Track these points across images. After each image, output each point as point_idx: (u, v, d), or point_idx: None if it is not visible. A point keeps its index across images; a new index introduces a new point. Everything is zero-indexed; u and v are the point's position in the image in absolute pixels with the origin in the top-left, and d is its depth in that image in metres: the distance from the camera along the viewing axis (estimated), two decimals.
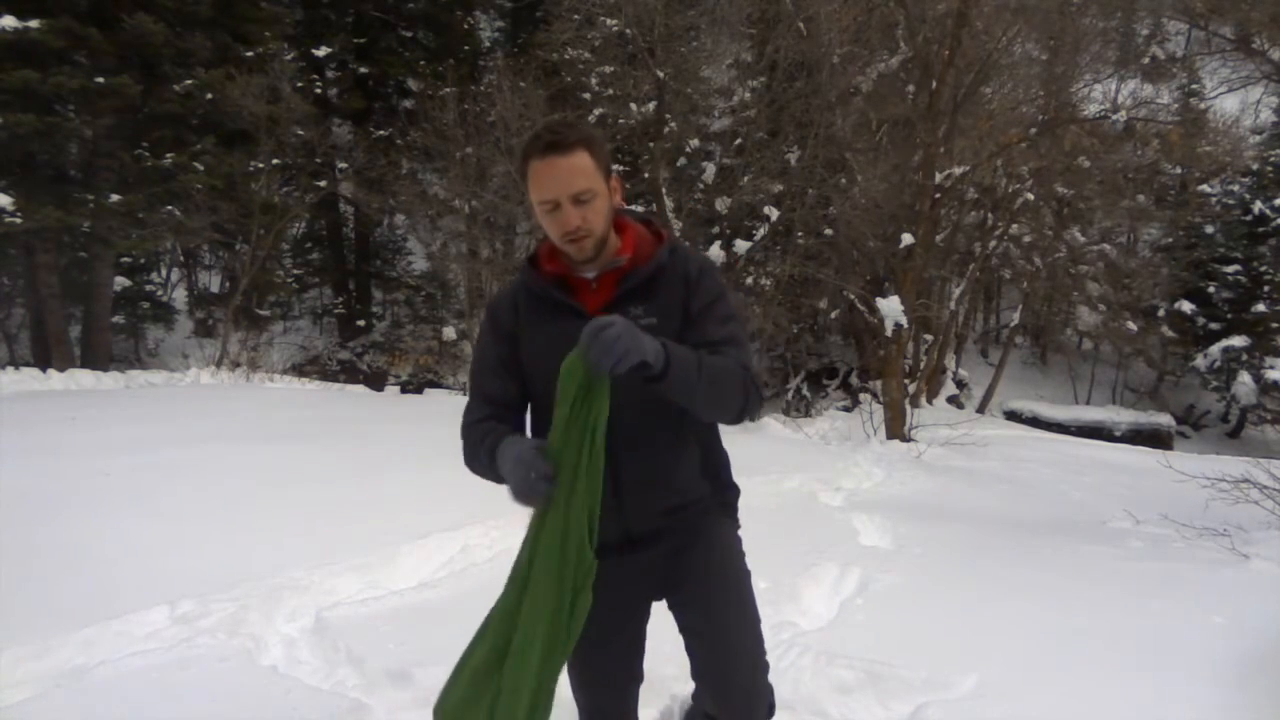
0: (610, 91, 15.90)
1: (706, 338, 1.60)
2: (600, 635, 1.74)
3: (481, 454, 1.63)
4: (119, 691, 2.61)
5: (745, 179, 14.42)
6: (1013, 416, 17.56)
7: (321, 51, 16.87)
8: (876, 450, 8.95)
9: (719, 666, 1.78)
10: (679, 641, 1.83)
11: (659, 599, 1.81)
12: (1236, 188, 20.19)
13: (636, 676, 1.84)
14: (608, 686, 1.82)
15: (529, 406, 1.76)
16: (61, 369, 10.16)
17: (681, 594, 1.77)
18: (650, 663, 1.89)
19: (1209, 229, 20.02)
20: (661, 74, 14.22)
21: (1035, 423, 16.73)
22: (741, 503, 1.89)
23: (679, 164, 15.38)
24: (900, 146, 13.25)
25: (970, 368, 20.43)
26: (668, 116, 13.96)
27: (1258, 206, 19.49)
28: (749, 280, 14.85)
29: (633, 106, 14.85)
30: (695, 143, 15.37)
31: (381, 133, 16.81)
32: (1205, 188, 20.55)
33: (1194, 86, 21.80)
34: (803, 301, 16.43)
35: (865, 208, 12.52)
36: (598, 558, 1.54)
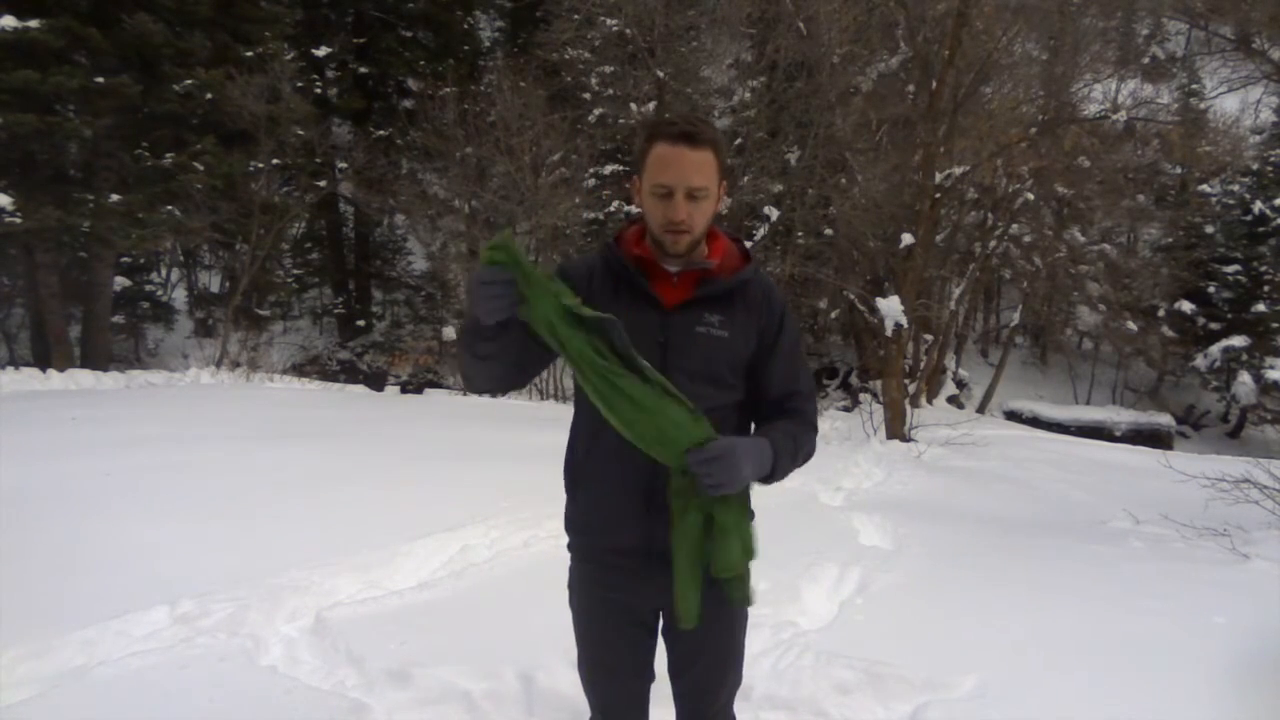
0: (610, 91, 15.91)
1: (793, 387, 1.71)
2: (613, 636, 1.75)
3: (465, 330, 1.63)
4: (119, 691, 2.61)
5: (745, 179, 14.43)
6: (1013, 416, 17.57)
7: (321, 51, 16.88)
8: (876, 450, 8.95)
9: (690, 707, 1.82)
10: None
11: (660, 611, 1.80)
12: (1236, 188, 20.19)
13: (648, 675, 1.84)
14: (619, 685, 1.82)
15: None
16: (61, 369, 10.16)
17: (676, 640, 1.77)
18: (663, 663, 1.87)
19: (1209, 229, 20.03)
20: (661, 74, 14.23)
21: (1035, 423, 16.74)
22: None
23: None
24: (900, 146, 13.25)
25: (970, 368, 20.43)
26: (668, 116, 13.98)
27: (1258, 206, 19.49)
28: None
29: (633, 106, 14.87)
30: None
31: (381, 133, 16.82)
32: (1205, 188, 20.56)
33: (1194, 86, 21.82)
34: (803, 301, 16.45)
35: (865, 208, 12.52)
36: (623, 559, 1.66)
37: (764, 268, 1.84)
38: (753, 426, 1.74)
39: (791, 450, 1.63)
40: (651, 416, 1.49)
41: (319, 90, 16.83)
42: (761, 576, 1.93)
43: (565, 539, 1.80)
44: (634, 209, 1.84)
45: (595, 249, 1.76)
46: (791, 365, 1.71)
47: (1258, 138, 22.67)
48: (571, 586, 1.81)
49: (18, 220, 10.05)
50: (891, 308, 9.94)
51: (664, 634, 1.80)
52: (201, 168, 11.76)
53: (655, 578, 1.66)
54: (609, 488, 1.66)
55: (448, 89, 15.26)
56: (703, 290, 1.65)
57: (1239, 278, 19.14)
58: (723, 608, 1.72)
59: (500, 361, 1.61)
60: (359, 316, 18.29)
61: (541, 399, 13.57)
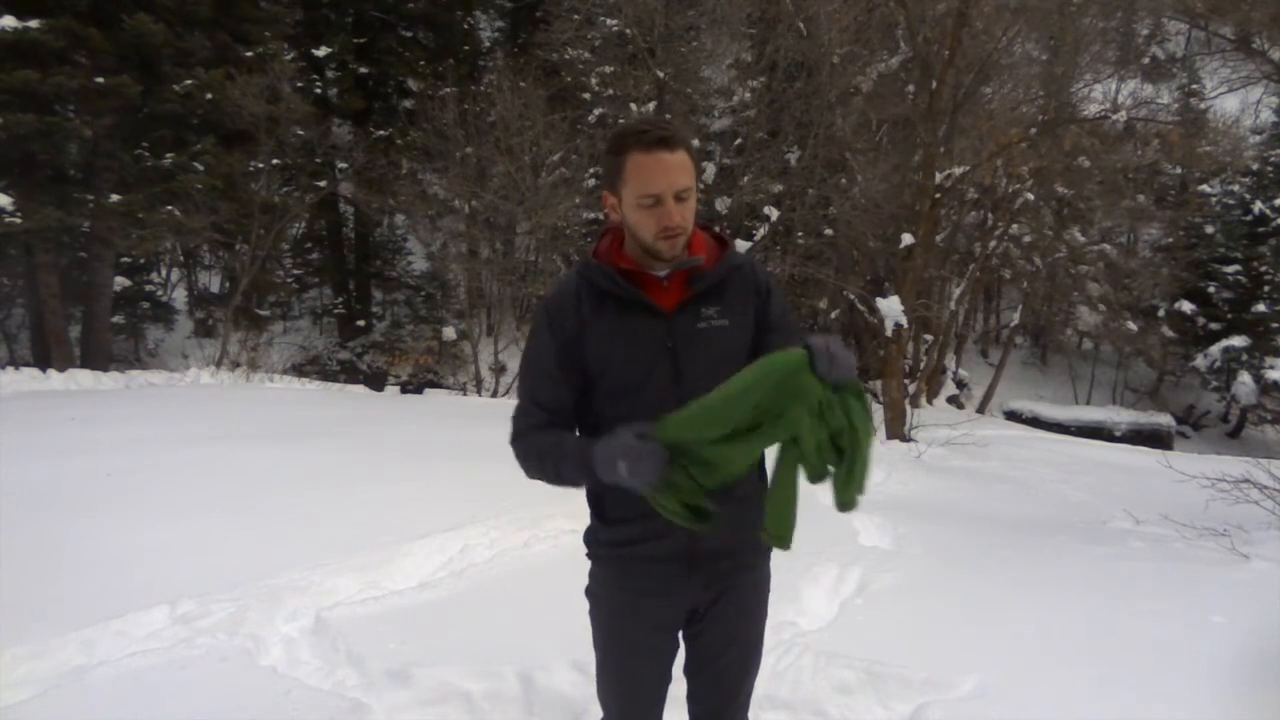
0: (610, 91, 15.92)
1: None
2: (642, 642, 1.74)
3: (556, 463, 1.58)
4: (119, 691, 2.61)
5: (745, 179, 14.44)
6: (1013, 416, 17.57)
7: (321, 51, 16.86)
8: (876, 450, 8.94)
9: (708, 707, 1.82)
10: None
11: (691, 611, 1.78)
12: (1236, 188, 20.20)
13: (666, 679, 1.82)
14: (643, 691, 1.80)
15: (587, 403, 1.71)
16: (61, 369, 10.16)
17: (701, 634, 1.77)
18: (679, 665, 1.86)
19: (1209, 229, 20.04)
20: (661, 74, 14.23)
21: (1035, 423, 16.74)
22: None
23: None
24: (900, 146, 13.27)
25: (970, 368, 20.44)
26: (668, 116, 13.98)
27: (1258, 206, 19.50)
28: None
29: (633, 106, 14.86)
30: (695, 143, 15.37)
31: (381, 133, 16.81)
32: (1205, 188, 20.58)
33: (1194, 86, 21.83)
34: (803, 301, 16.43)
35: (865, 208, 12.53)
36: (662, 565, 1.65)
37: (761, 265, 1.83)
38: None
39: None
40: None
41: (319, 90, 16.82)
42: None
43: (566, 539, 1.80)
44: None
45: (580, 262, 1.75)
46: (783, 335, 1.70)
47: (1258, 138, 22.68)
48: (594, 594, 1.77)
49: (18, 220, 10.04)
50: (891, 308, 9.94)
51: (684, 631, 1.79)
52: (201, 168, 11.75)
53: (694, 578, 1.68)
54: (643, 507, 1.55)
55: (448, 89, 15.25)
56: (696, 286, 1.65)
57: (1239, 278, 19.15)
58: (752, 598, 1.75)
59: None
60: (359, 316, 18.28)
61: None
